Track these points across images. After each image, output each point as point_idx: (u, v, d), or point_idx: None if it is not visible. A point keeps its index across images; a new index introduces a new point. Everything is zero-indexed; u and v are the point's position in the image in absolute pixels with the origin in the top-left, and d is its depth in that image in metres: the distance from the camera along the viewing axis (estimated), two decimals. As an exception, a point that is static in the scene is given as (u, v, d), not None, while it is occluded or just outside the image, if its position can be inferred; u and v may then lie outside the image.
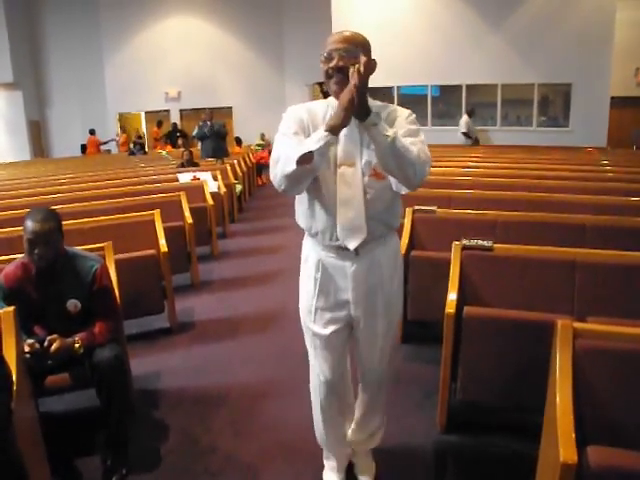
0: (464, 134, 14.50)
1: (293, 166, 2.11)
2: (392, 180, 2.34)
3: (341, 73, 2.23)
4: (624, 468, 1.87)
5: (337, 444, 2.89)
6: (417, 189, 2.35)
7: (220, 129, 11.42)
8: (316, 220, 2.44)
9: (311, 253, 2.55)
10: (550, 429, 2.19)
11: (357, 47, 2.24)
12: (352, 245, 2.38)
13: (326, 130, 2.10)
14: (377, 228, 2.41)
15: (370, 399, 2.81)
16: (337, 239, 2.40)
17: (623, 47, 13.99)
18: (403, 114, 2.40)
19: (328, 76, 2.29)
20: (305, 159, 2.10)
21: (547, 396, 2.36)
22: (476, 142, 14.61)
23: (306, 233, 2.58)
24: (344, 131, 2.24)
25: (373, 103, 2.31)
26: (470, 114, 14.65)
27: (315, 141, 2.10)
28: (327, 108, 2.39)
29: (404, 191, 2.37)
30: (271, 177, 2.29)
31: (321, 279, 2.51)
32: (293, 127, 2.34)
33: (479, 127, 15.34)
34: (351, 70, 2.06)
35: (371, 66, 2.16)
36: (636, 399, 2.21)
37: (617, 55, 13.79)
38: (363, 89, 2.04)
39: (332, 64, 2.25)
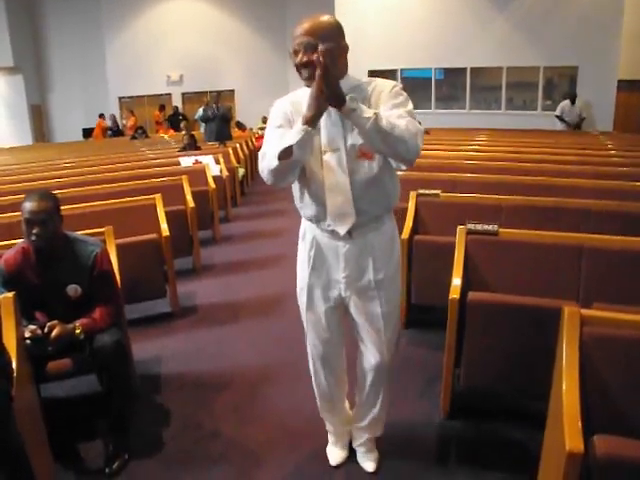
0: (558, 117, 13.88)
1: (275, 161, 2.18)
2: (391, 159, 2.35)
3: (307, 67, 2.22)
4: (631, 458, 1.84)
5: (335, 416, 2.97)
6: (414, 163, 2.33)
7: (225, 113, 11.38)
8: (308, 206, 2.48)
9: (307, 231, 2.59)
10: (556, 417, 2.16)
11: (318, 39, 2.19)
12: (342, 230, 2.42)
13: (303, 123, 2.12)
14: (370, 209, 2.42)
15: (370, 384, 2.80)
16: (329, 225, 2.43)
17: (632, 29, 13.80)
18: (387, 87, 2.36)
19: (298, 71, 2.28)
20: (286, 153, 2.14)
21: (553, 384, 2.34)
22: (577, 127, 13.76)
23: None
24: (325, 118, 2.26)
25: (357, 81, 2.36)
26: (573, 99, 13.72)
27: (294, 135, 2.14)
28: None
29: (404, 167, 2.41)
30: (260, 172, 2.34)
31: (314, 257, 2.56)
32: (278, 121, 2.39)
33: (484, 110, 15.31)
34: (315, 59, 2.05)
35: (334, 53, 2.16)
36: (644, 387, 2.19)
37: (625, 37, 13.62)
38: (330, 78, 2.03)
39: (297, 59, 2.24)
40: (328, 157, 2.34)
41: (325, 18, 2.29)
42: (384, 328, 2.61)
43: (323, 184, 2.37)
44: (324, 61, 1.99)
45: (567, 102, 13.71)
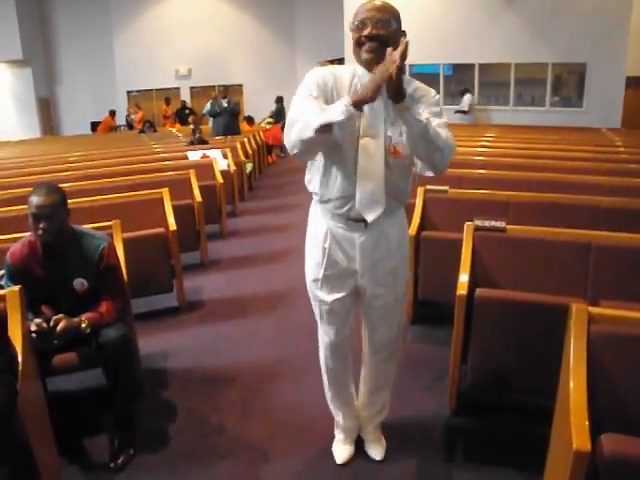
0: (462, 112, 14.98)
1: (311, 133, 2.12)
2: (418, 163, 2.37)
3: (375, 41, 2.21)
4: (639, 457, 1.83)
5: (346, 405, 2.95)
6: (441, 175, 2.38)
7: (234, 107, 11.39)
8: (332, 188, 2.42)
9: (319, 222, 2.56)
10: (563, 416, 2.15)
11: (391, 16, 2.23)
12: (370, 217, 2.38)
13: (352, 104, 2.08)
14: (389, 203, 2.40)
15: (379, 371, 2.83)
16: (351, 209, 2.40)
17: (640, 25, 13.74)
18: (429, 93, 2.39)
19: (359, 44, 2.24)
20: (324, 129, 2.09)
21: (560, 382, 2.33)
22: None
23: (314, 200, 2.58)
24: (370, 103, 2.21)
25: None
26: (464, 92, 15.25)
27: (338, 113, 2.08)
28: (353, 76, 2.35)
29: (429, 174, 2.38)
30: (285, 139, 2.28)
31: (329, 249, 2.53)
32: (315, 91, 2.30)
33: (491, 107, 15.33)
34: (389, 50, 2.04)
35: (401, 37, 2.21)
36: (652, 386, 2.17)
37: (634, 34, 13.53)
38: (401, 71, 2.02)
39: (366, 32, 2.21)
40: (366, 142, 2.31)
41: (390, 3, 2.31)
42: (398, 312, 2.69)
43: (355, 168, 2.34)
44: (405, 52, 1.99)
45: (468, 95, 15.04)
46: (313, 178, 2.51)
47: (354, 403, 3.01)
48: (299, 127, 2.18)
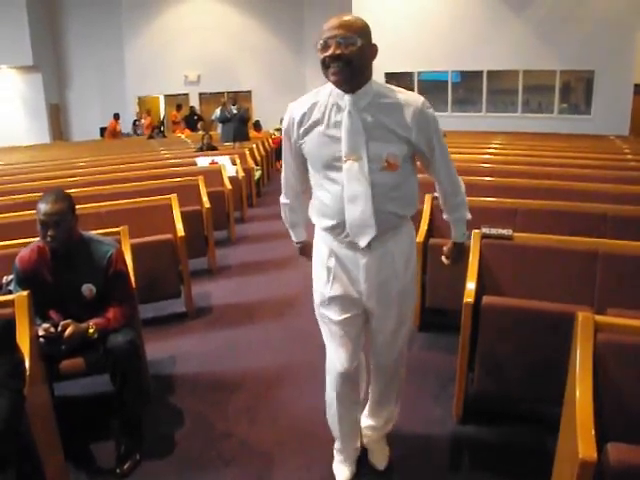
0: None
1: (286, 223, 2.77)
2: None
3: (339, 61, 2.13)
4: (645, 466, 1.83)
5: (347, 432, 2.83)
6: None
7: (244, 114, 11.45)
8: (326, 217, 2.40)
9: (323, 243, 2.50)
10: (569, 424, 2.14)
11: (354, 34, 2.13)
12: (363, 242, 2.34)
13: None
14: (388, 220, 2.35)
15: (384, 387, 2.80)
16: (347, 236, 2.36)
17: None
18: (417, 105, 2.25)
19: (325, 65, 2.18)
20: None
21: (566, 391, 2.32)
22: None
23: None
24: (347, 123, 2.21)
25: (380, 87, 2.29)
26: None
27: (294, 240, 2.83)
28: (329, 94, 2.30)
29: None
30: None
31: (335, 268, 2.46)
32: (285, 135, 2.46)
33: (501, 114, 15.29)
34: None
35: (372, 51, 2.21)
36: (658, 395, 2.16)
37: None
38: None
39: (329, 52, 2.14)
40: (349, 166, 2.25)
41: (357, 17, 2.23)
42: (401, 332, 2.62)
43: (342, 194, 2.29)
44: None
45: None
46: (311, 208, 2.50)
47: (358, 431, 2.93)
48: (284, 210, 2.75)
